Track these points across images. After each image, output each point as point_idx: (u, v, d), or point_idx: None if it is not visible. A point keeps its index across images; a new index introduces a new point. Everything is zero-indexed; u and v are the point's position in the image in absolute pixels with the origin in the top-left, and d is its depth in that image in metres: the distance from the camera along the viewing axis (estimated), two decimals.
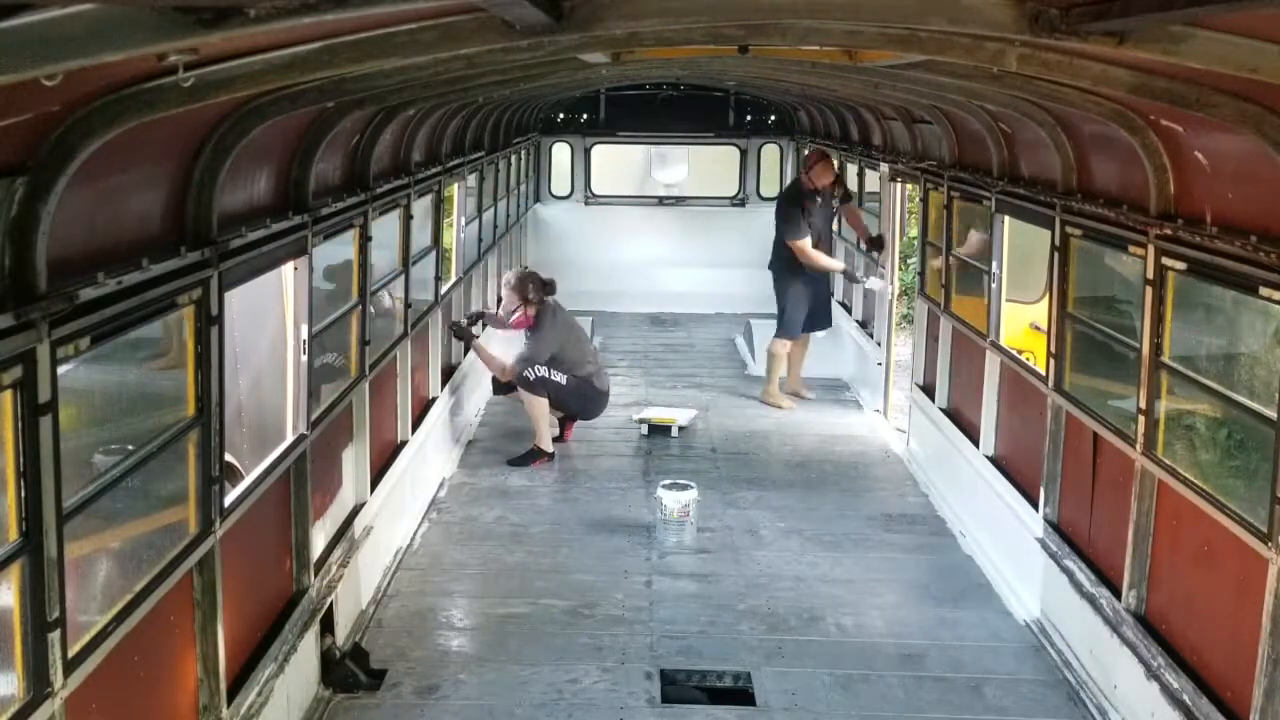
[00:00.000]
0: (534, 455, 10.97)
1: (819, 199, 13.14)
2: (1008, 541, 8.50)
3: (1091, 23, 3.63)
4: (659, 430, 12.01)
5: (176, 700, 5.08)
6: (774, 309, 13.56)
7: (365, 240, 7.55)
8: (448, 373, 11.29)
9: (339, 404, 7.26)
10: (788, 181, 18.74)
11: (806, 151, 14.38)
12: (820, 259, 13.16)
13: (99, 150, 3.76)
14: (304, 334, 6.58)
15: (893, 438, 12.10)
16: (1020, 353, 9.23)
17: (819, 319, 13.60)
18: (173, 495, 5.03)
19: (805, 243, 12.95)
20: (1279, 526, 4.96)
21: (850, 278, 13.95)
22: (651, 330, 17.42)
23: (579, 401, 11.31)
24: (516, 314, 11.25)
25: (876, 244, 13.14)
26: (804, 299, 13.20)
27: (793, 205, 13.12)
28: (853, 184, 14.63)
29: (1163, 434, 6.26)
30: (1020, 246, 9.06)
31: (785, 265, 13.20)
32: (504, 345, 11.91)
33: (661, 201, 18.99)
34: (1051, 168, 7.75)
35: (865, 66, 6.86)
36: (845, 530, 9.57)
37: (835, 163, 13.45)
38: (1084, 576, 7.15)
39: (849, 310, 14.85)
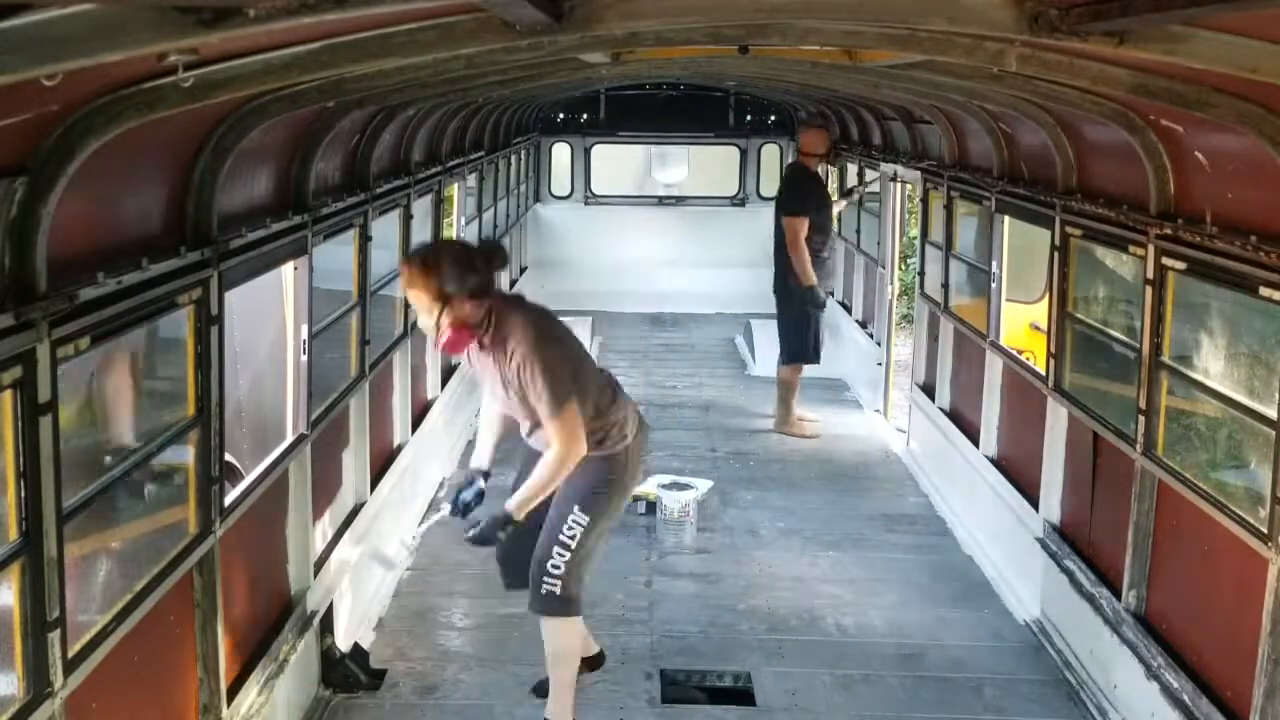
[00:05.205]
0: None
1: (820, 184, 12.47)
2: (1008, 541, 8.50)
3: (1091, 23, 3.63)
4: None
5: (176, 700, 5.08)
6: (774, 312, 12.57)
7: (365, 240, 7.55)
8: (447, 373, 11.28)
9: (339, 404, 7.26)
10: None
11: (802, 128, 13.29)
12: (804, 257, 11.76)
13: (99, 150, 3.76)
14: (304, 334, 6.58)
15: (893, 438, 12.10)
16: (1020, 353, 9.23)
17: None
18: (173, 495, 5.03)
19: (803, 224, 11.79)
20: (1279, 526, 4.96)
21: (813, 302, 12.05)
22: (651, 330, 17.42)
23: (610, 502, 6.28)
24: (442, 330, 5.82)
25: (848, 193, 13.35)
26: (817, 320, 12.08)
27: (796, 182, 12.25)
28: (853, 182, 14.62)
29: (1163, 434, 6.26)
30: (1020, 246, 9.06)
31: (798, 283, 11.88)
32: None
33: (661, 201, 18.98)
34: (1051, 168, 7.75)
35: (865, 66, 6.85)
36: (845, 530, 9.57)
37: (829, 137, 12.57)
38: (1084, 576, 7.14)
39: (849, 310, 14.85)
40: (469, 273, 5.74)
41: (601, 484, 6.16)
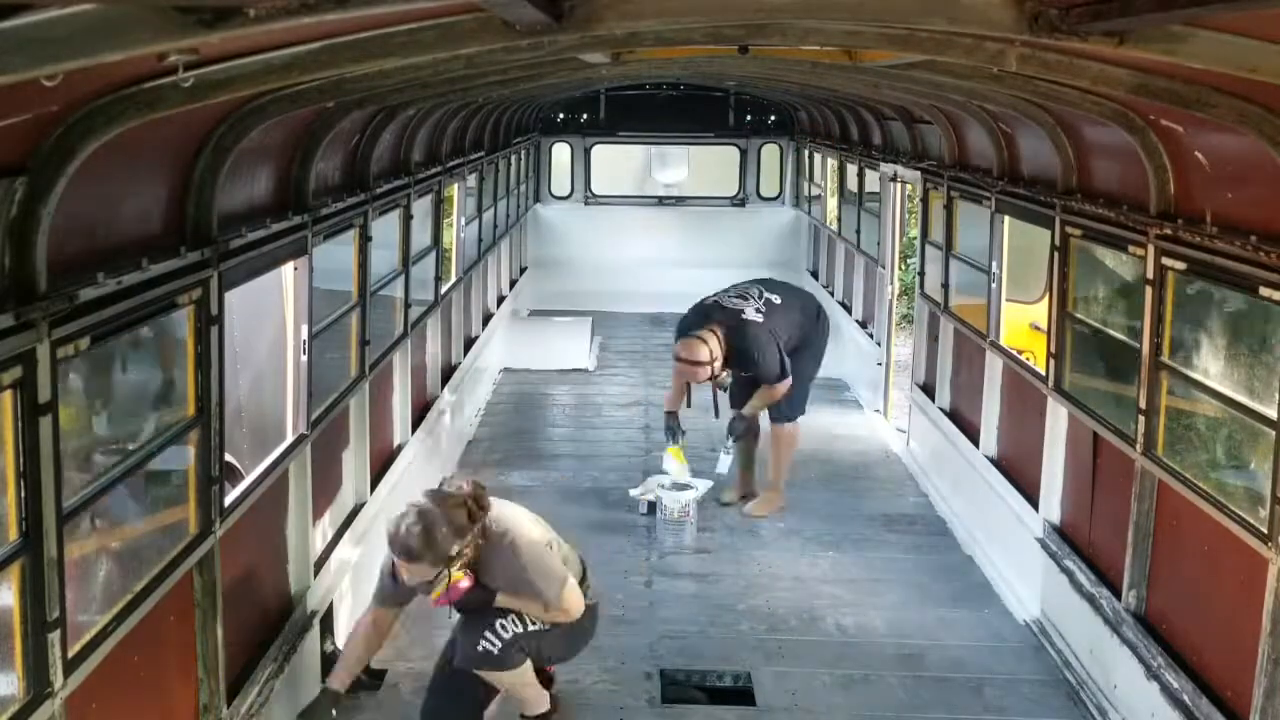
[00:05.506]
0: None
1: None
2: (1008, 541, 8.49)
3: (1091, 23, 3.63)
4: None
5: (176, 700, 5.08)
6: None
7: (365, 240, 7.55)
8: (448, 373, 11.28)
9: (339, 404, 7.26)
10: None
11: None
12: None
13: (99, 150, 3.76)
14: (304, 334, 6.58)
15: (893, 438, 12.10)
16: (1020, 353, 9.23)
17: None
18: (172, 495, 5.03)
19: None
20: (1279, 526, 4.96)
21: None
22: (651, 330, 17.41)
23: (568, 644, 6.53)
24: (451, 588, 6.01)
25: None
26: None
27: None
28: (853, 184, 14.60)
29: (1163, 434, 6.26)
30: (1020, 246, 9.06)
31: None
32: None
33: (661, 201, 18.99)
34: (1051, 168, 7.75)
35: (865, 66, 6.85)
36: (845, 530, 9.57)
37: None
38: (1084, 576, 7.14)
39: (849, 310, 14.85)
40: (461, 533, 5.94)
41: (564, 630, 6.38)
